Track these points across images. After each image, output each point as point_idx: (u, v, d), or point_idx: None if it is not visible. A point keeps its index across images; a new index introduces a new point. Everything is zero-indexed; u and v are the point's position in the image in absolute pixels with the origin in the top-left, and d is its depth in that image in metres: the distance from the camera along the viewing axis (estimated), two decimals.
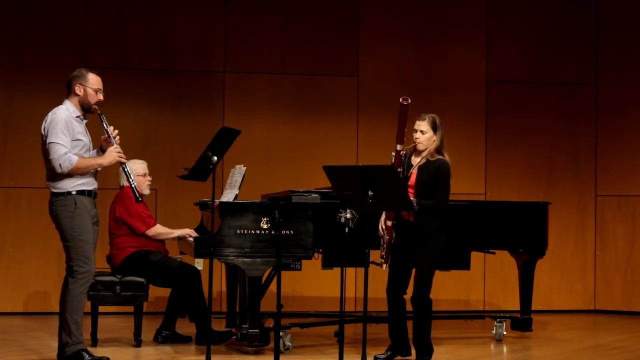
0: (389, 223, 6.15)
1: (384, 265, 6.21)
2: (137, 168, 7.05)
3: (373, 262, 6.56)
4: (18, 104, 8.86)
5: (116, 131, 5.89)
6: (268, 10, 9.26)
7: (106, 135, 5.88)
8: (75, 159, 5.70)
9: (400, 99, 6.07)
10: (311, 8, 9.32)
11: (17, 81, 8.89)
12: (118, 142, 5.86)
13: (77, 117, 5.83)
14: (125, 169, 5.92)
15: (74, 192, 5.76)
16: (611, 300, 9.56)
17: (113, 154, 5.82)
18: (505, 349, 7.18)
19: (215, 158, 6.02)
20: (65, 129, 5.72)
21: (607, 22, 9.65)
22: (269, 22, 9.25)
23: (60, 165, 5.67)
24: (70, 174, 5.73)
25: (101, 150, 5.96)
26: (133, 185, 5.94)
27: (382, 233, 6.17)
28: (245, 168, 6.91)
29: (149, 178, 7.13)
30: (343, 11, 9.36)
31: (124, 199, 6.95)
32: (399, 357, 6.26)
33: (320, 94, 9.30)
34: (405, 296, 6.20)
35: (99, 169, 5.93)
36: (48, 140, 5.71)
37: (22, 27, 8.87)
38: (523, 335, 7.60)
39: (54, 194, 5.82)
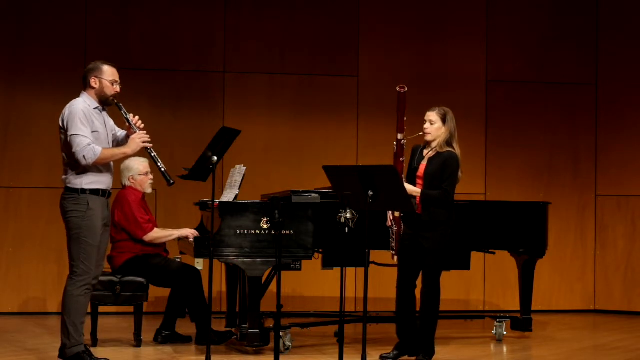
0: (397, 214, 6.17)
1: (396, 257, 6.23)
2: (138, 166, 7.04)
3: (373, 262, 6.57)
4: (18, 104, 8.86)
5: (137, 117, 5.83)
6: (268, 11, 9.26)
7: (127, 124, 5.82)
8: (99, 149, 5.62)
9: (397, 87, 6.13)
10: (311, 8, 9.32)
11: (17, 81, 8.89)
12: (141, 127, 5.80)
13: (95, 108, 5.77)
14: (152, 154, 5.82)
15: (87, 191, 5.68)
16: (611, 300, 9.56)
17: (136, 141, 5.75)
18: (505, 349, 7.18)
19: (215, 158, 6.02)
20: (84, 120, 5.64)
21: (606, 22, 9.65)
22: (268, 22, 9.25)
23: (84, 157, 5.59)
24: (87, 170, 5.65)
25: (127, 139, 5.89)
26: (163, 170, 5.79)
27: (390, 224, 6.19)
28: (245, 168, 6.91)
29: (151, 177, 7.12)
30: (343, 11, 9.36)
31: (123, 203, 6.92)
32: (406, 357, 6.25)
33: (320, 94, 9.30)
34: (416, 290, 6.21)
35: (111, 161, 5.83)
36: (69, 133, 5.62)
37: (22, 27, 8.87)
38: (523, 335, 7.60)
39: (67, 189, 5.72)
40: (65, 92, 8.67)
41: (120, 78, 5.90)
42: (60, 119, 5.73)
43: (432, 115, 6.16)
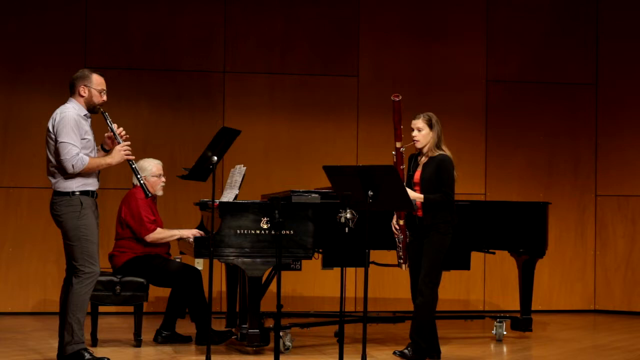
0: (402, 222, 6.19)
1: (404, 266, 6.28)
2: (152, 168, 7.02)
3: (373, 262, 6.58)
4: (18, 104, 8.86)
5: (121, 128, 5.90)
6: (268, 10, 9.25)
7: (110, 133, 5.90)
8: (86, 159, 5.72)
9: (392, 96, 6.15)
10: (311, 8, 9.32)
11: (17, 81, 8.89)
12: (125, 139, 5.87)
13: (84, 115, 5.85)
14: (133, 166, 5.91)
15: (77, 192, 5.77)
16: (611, 300, 9.56)
17: (120, 153, 5.82)
18: (505, 349, 7.18)
19: (215, 158, 6.02)
20: (75, 128, 5.73)
21: (607, 22, 9.65)
22: (269, 22, 9.25)
23: (73, 165, 5.69)
24: (76, 174, 5.73)
25: (102, 148, 5.97)
26: (142, 182, 5.90)
27: (397, 234, 6.22)
28: (245, 168, 6.91)
29: (164, 179, 7.10)
30: (343, 11, 9.36)
31: (130, 201, 6.92)
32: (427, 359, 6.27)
33: (320, 94, 9.30)
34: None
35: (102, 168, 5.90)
36: (59, 140, 5.71)
37: (22, 27, 8.87)
38: (523, 335, 7.61)
39: (57, 193, 5.81)
40: (65, 92, 8.71)
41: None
42: (50, 124, 5.80)
43: (419, 123, 6.22)
